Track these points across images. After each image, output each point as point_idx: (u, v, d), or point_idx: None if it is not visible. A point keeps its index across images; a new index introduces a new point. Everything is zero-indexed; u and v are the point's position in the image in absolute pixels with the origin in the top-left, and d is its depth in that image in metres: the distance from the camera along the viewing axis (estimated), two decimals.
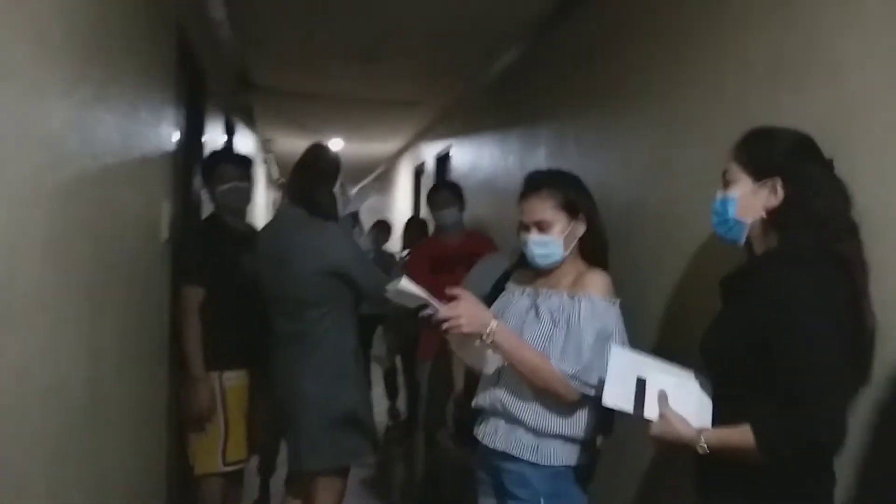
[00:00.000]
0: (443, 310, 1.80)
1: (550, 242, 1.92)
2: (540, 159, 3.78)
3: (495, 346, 1.83)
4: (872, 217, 1.47)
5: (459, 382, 3.20)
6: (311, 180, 2.53)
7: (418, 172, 8.43)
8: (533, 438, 1.88)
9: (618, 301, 1.92)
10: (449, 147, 6.58)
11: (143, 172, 2.40)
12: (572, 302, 1.88)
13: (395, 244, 6.79)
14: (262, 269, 2.54)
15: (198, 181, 3.59)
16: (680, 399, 1.52)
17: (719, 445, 1.41)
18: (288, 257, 2.43)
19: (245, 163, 3.13)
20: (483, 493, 2.05)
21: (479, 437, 2.02)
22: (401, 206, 9.81)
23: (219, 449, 2.80)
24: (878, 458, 1.47)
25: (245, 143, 6.13)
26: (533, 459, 1.87)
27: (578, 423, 1.89)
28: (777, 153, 1.49)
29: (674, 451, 1.54)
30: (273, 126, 7.81)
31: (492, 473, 2.00)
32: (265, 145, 9.02)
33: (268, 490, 3.60)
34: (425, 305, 1.83)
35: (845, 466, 1.49)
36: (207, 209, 3.43)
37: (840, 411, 1.30)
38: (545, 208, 1.92)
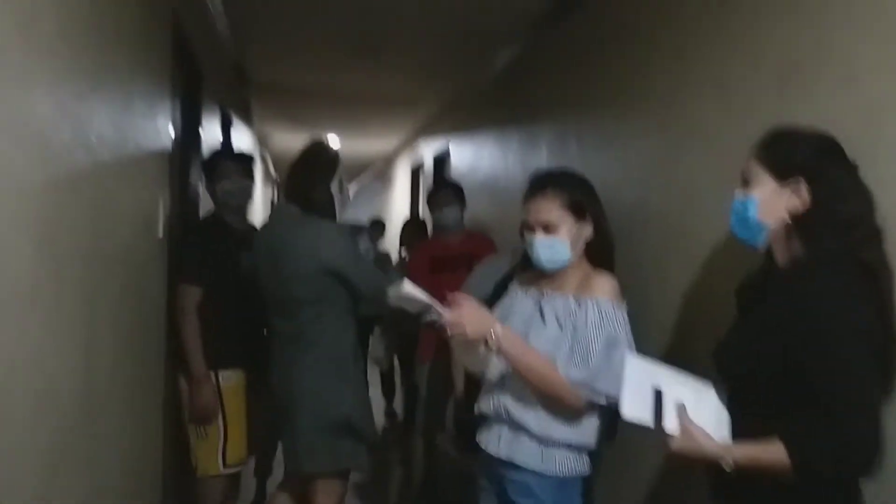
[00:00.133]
0: (446, 314, 1.75)
1: (557, 244, 1.87)
2: (541, 159, 3.73)
3: (500, 352, 1.78)
4: (892, 223, 1.42)
5: (459, 384, 3.16)
6: (308, 177, 2.47)
7: (416, 171, 8.37)
8: (538, 446, 1.83)
9: (625, 305, 1.87)
10: (447, 146, 6.52)
11: (138, 167, 2.34)
12: (579, 305, 1.83)
13: (388, 243, 6.75)
14: (259, 268, 2.48)
15: (195, 177, 3.54)
16: (698, 411, 1.46)
17: (747, 462, 1.35)
18: (282, 256, 2.38)
19: (247, 160, 3.09)
20: (485, 501, 2.00)
21: (482, 444, 1.97)
22: (398, 204, 9.75)
23: (219, 450, 2.76)
24: None
25: (242, 138, 6.07)
26: (538, 468, 1.82)
27: (585, 430, 1.84)
28: (802, 153, 1.42)
29: (691, 465, 1.49)
30: (270, 122, 7.75)
31: (494, 481, 1.94)
32: (262, 141, 8.96)
33: (264, 492, 3.55)
34: (427, 309, 1.78)
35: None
36: (205, 206, 3.37)
37: (877, 427, 1.25)
38: (552, 209, 1.86)
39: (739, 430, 1.43)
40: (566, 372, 1.77)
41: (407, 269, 4.11)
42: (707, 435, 1.41)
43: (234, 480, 2.94)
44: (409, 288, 1.76)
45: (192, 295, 2.71)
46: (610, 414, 1.88)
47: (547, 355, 1.80)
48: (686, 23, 2.35)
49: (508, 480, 1.88)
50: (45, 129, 1.45)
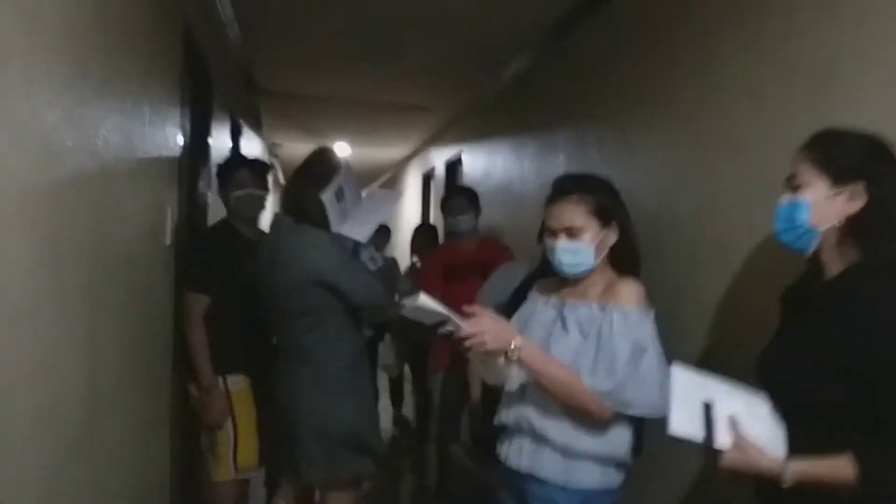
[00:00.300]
0: (465, 326, 1.68)
1: (581, 250, 1.80)
2: (559, 165, 3.66)
3: (521, 364, 1.70)
4: None
5: (476, 393, 3.09)
6: (301, 186, 2.41)
7: (427, 178, 8.33)
8: (562, 459, 1.75)
9: (652, 312, 1.79)
10: (460, 153, 6.47)
11: (146, 174, 2.29)
12: (603, 313, 1.76)
13: (394, 250, 6.68)
14: (260, 278, 2.43)
15: (204, 185, 3.49)
16: (751, 425, 1.38)
17: (806, 479, 1.28)
18: (275, 266, 2.32)
19: (263, 169, 3.04)
20: None
21: (503, 457, 1.89)
22: (409, 212, 9.71)
23: (230, 455, 2.73)
24: None
25: (251, 147, 6.04)
26: (562, 482, 1.74)
27: (612, 441, 1.76)
28: (858, 155, 1.35)
29: (739, 481, 1.40)
30: (280, 130, 7.73)
31: (516, 496, 1.86)
32: (271, 150, 8.94)
33: None
34: (444, 321, 1.70)
35: None
36: (215, 214, 3.33)
37: None
38: (576, 213, 1.79)
39: (791, 447, 1.36)
40: (591, 382, 1.69)
41: (419, 276, 4.05)
42: (761, 449, 1.34)
43: (244, 489, 2.89)
44: (424, 300, 1.68)
45: (199, 303, 2.67)
46: (636, 425, 1.81)
47: (570, 365, 1.73)
48: (713, 27, 2.29)
49: (531, 494, 1.80)
50: (49, 133, 1.40)
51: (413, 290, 1.83)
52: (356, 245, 2.44)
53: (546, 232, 1.86)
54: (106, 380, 1.82)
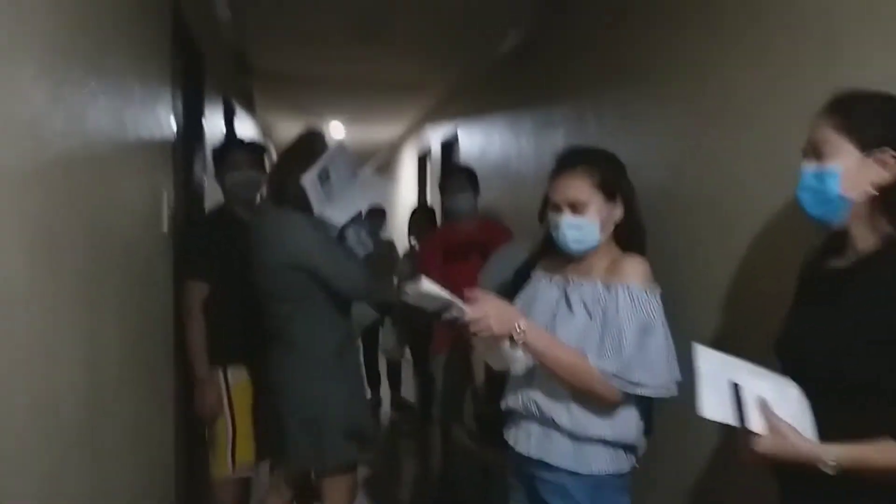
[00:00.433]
0: (469, 311, 1.64)
1: (585, 225, 1.75)
2: (557, 141, 3.61)
3: (526, 347, 1.67)
4: None
5: (480, 375, 3.06)
6: (283, 168, 2.38)
7: (423, 158, 8.25)
8: (571, 444, 1.72)
9: (659, 289, 1.75)
10: (456, 131, 6.40)
11: (140, 158, 2.24)
12: (608, 292, 1.72)
13: (390, 232, 6.63)
14: (249, 262, 2.39)
15: (199, 169, 3.43)
16: (780, 408, 1.31)
17: (852, 464, 1.21)
18: (259, 250, 2.30)
19: (258, 151, 2.98)
20: (515, 501, 1.90)
21: (511, 443, 1.86)
22: (405, 192, 9.64)
23: (228, 451, 2.69)
24: None
25: (245, 129, 5.96)
26: (572, 468, 1.71)
27: (622, 425, 1.72)
28: (889, 120, 1.28)
29: (766, 467, 1.34)
30: (273, 111, 7.65)
31: (525, 482, 1.84)
32: (265, 131, 8.85)
33: None
34: (447, 307, 1.65)
35: None
36: (210, 199, 3.27)
37: None
38: (581, 187, 1.74)
39: (823, 432, 1.29)
40: (598, 363, 1.65)
41: (419, 258, 4.01)
42: (800, 434, 1.27)
43: (247, 486, 2.86)
44: (427, 285, 1.63)
45: (198, 291, 2.63)
46: (645, 406, 1.78)
47: (576, 346, 1.69)
48: None
49: (540, 480, 1.77)
50: (36, 115, 1.34)
51: (413, 274, 1.79)
52: (343, 229, 2.38)
53: (550, 206, 1.82)
54: (106, 375, 1.77)
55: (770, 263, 1.94)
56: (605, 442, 1.71)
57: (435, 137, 7.34)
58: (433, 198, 6.97)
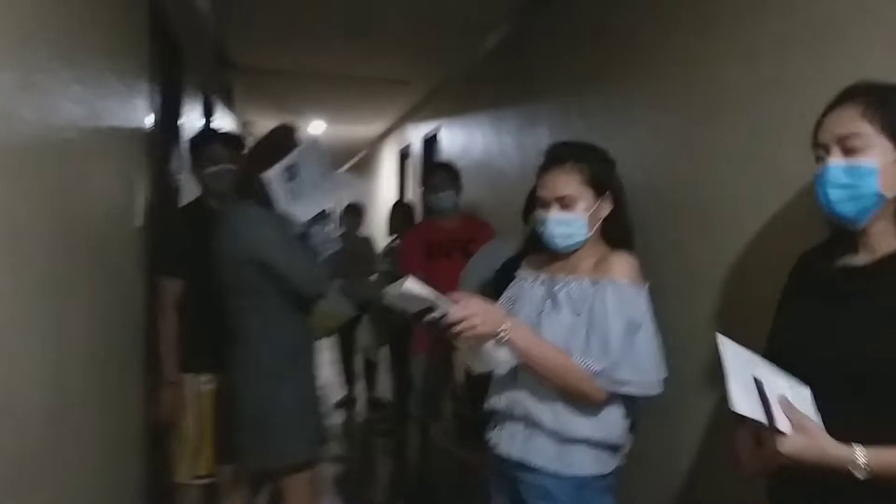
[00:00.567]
0: (454, 311, 1.59)
1: (573, 221, 1.72)
2: (541, 138, 3.57)
3: (511, 346, 1.62)
4: None
5: (460, 375, 3.03)
6: (249, 163, 2.35)
7: (404, 155, 8.21)
8: (554, 445, 1.68)
9: (646, 286, 1.72)
10: (438, 128, 6.36)
11: (114, 150, 2.18)
12: (595, 289, 1.68)
13: (368, 229, 6.57)
14: (213, 257, 2.34)
15: (176, 164, 3.36)
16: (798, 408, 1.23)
17: (884, 469, 1.14)
18: (219, 243, 2.27)
19: (235, 143, 2.91)
20: (497, 501, 1.86)
21: (494, 444, 1.82)
22: (385, 190, 9.59)
23: (189, 456, 2.64)
24: None
25: (224, 124, 5.88)
26: (555, 469, 1.67)
27: (606, 424, 1.69)
28: None
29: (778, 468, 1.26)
30: (253, 107, 7.56)
31: (507, 484, 1.80)
32: (245, 127, 8.75)
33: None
34: (431, 308, 1.60)
35: None
36: (187, 194, 3.20)
37: None
38: (570, 183, 1.71)
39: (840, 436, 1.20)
40: (584, 361, 1.62)
41: (400, 254, 3.97)
42: (827, 435, 1.17)
43: (212, 491, 2.79)
44: (411, 285, 1.57)
45: (172, 288, 2.56)
46: (631, 405, 1.75)
47: (562, 344, 1.66)
48: None
49: (523, 483, 1.74)
50: (4, 102, 1.28)
51: (394, 270, 1.74)
52: (308, 226, 2.34)
53: (538, 202, 1.79)
54: (72, 377, 1.71)
55: (757, 260, 1.92)
56: (589, 443, 1.68)
57: (416, 134, 7.29)
58: (413, 195, 6.92)
